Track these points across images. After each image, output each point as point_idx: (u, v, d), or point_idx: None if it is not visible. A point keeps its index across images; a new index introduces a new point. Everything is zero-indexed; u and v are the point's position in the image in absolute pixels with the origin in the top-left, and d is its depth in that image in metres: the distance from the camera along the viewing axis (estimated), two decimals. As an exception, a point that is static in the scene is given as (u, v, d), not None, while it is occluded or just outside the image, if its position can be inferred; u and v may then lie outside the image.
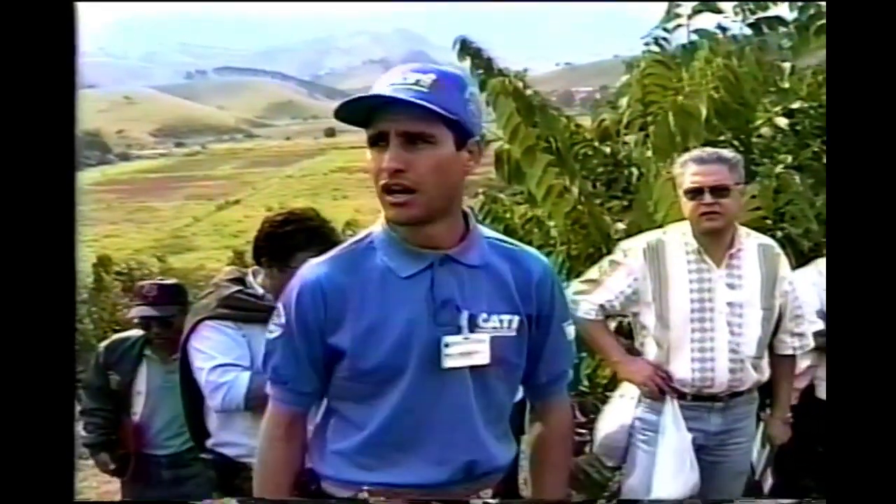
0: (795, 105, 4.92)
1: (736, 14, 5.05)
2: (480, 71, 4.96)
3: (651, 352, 3.63)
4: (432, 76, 1.98)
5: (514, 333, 2.15)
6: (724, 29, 5.10)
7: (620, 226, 4.76)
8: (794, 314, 3.67)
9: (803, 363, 3.94)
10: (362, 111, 2.00)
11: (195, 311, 3.55)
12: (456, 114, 1.97)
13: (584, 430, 4.87)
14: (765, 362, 3.61)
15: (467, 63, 5.01)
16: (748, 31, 4.98)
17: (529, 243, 5.15)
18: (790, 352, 3.71)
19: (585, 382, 4.94)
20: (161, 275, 23.60)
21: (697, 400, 3.57)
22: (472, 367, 2.09)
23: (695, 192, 3.46)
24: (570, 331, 2.34)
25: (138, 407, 4.53)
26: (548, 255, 5.04)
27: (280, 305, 2.16)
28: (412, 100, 1.93)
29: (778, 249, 3.66)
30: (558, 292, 2.28)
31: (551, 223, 5.02)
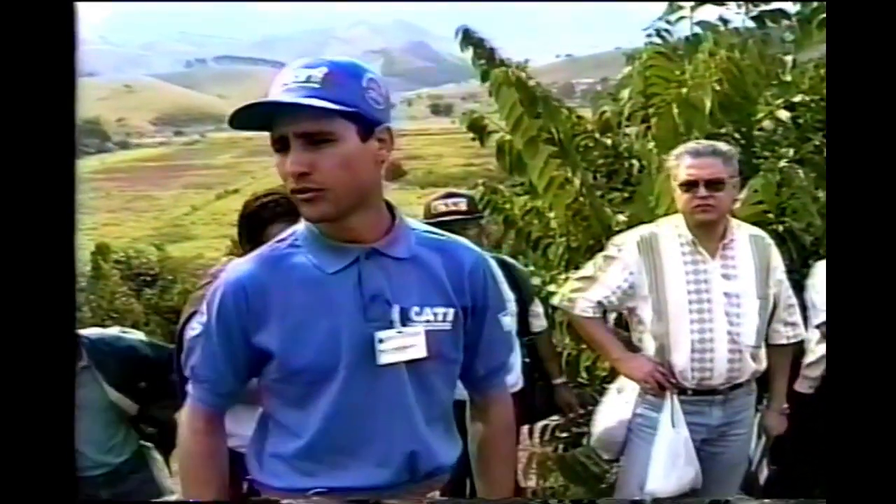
0: (797, 98, 4.91)
1: (739, 7, 5.04)
2: (482, 61, 4.94)
3: (649, 346, 3.63)
4: (324, 69, 1.93)
5: (448, 326, 2.11)
6: (726, 21, 5.08)
7: (621, 218, 4.76)
8: (787, 304, 3.70)
9: (818, 352, 3.94)
10: (262, 116, 1.95)
11: (192, 302, 3.54)
12: (354, 105, 1.92)
13: (582, 422, 4.89)
14: (762, 352, 3.63)
15: (469, 53, 4.99)
16: (751, 24, 4.97)
17: (529, 234, 5.19)
18: (784, 341, 3.73)
19: (584, 375, 4.94)
20: (160, 263, 23.70)
21: (698, 394, 3.58)
22: (409, 363, 2.05)
23: (689, 185, 3.47)
24: (507, 322, 2.30)
25: None
26: (548, 246, 5.05)
27: (203, 304, 2.12)
28: (300, 101, 1.90)
29: (769, 240, 3.68)
30: (491, 283, 2.23)
31: (552, 214, 5.02)
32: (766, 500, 3.88)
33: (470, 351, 2.20)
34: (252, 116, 1.94)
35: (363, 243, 2.03)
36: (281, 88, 1.93)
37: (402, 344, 2.04)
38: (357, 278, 2.02)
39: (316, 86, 1.90)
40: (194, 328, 2.14)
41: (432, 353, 2.07)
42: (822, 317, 3.80)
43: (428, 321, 2.07)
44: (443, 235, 2.22)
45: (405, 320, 2.04)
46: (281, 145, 1.93)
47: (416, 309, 2.06)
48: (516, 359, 4.43)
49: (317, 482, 2.06)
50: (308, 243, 2.05)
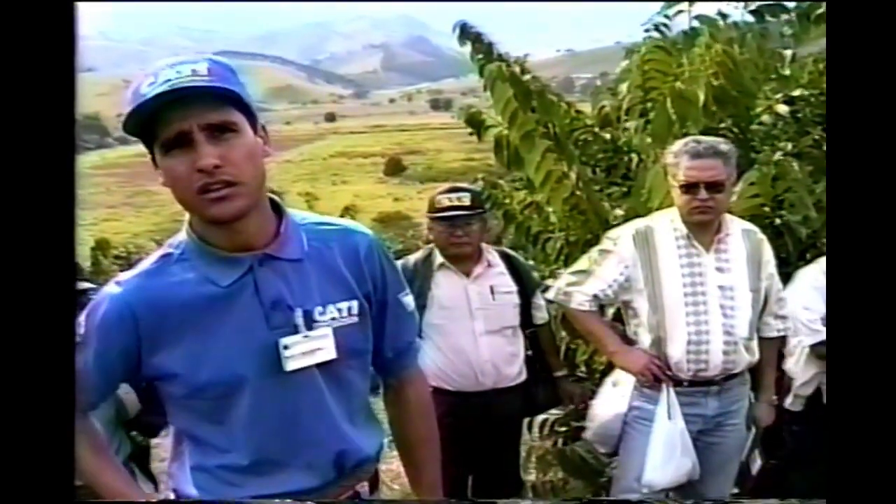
0: (796, 93, 4.92)
1: (737, 1, 5.04)
2: (480, 56, 4.95)
3: (645, 339, 3.65)
4: (205, 64, 1.84)
5: (355, 319, 2.06)
6: (724, 16, 5.08)
7: (619, 212, 4.76)
8: (778, 297, 3.73)
9: (809, 371, 3.99)
10: (143, 119, 1.82)
11: None
12: (246, 97, 1.89)
13: (581, 416, 4.90)
14: (755, 343, 3.65)
15: (468, 48, 5.00)
16: (750, 18, 4.97)
17: (529, 229, 5.20)
18: (774, 334, 3.76)
19: (582, 368, 4.95)
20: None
21: (694, 386, 3.60)
22: (320, 364, 2.00)
23: (689, 187, 3.47)
24: (408, 301, 2.25)
25: None
26: (546, 240, 5.06)
27: (83, 316, 1.99)
28: (212, 85, 1.81)
29: (761, 234, 3.70)
30: (387, 263, 2.17)
31: (550, 209, 5.02)
32: (766, 501, 3.89)
33: (376, 336, 2.15)
34: (142, 115, 1.81)
35: (253, 250, 1.95)
36: (166, 85, 1.78)
37: (310, 348, 1.98)
38: (254, 287, 1.95)
39: (206, 77, 1.81)
40: None
41: (342, 351, 2.02)
42: (816, 336, 3.84)
43: (333, 319, 2.02)
44: (332, 223, 2.14)
45: (310, 323, 1.99)
46: (177, 143, 1.81)
47: (319, 309, 2.00)
48: (521, 351, 4.46)
49: (245, 492, 2.01)
50: (196, 256, 1.96)
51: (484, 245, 4.42)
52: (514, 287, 4.39)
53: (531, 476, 5.05)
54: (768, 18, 4.95)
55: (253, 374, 1.95)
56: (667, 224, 3.60)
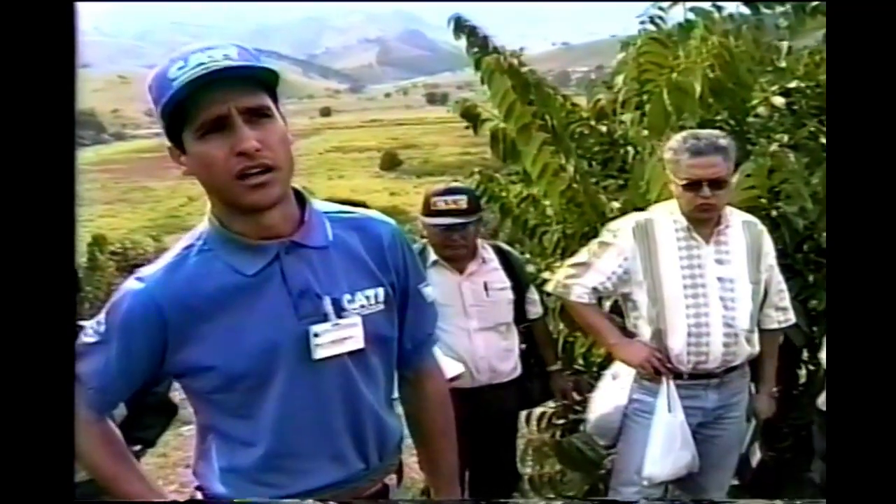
0: (792, 84, 4.91)
1: (733, -8, 5.04)
2: (476, 49, 4.93)
3: (644, 331, 3.65)
4: (235, 49, 1.83)
5: (382, 307, 2.05)
6: (720, 8, 5.08)
7: (616, 205, 4.76)
8: (778, 288, 3.72)
9: None
10: (174, 103, 1.80)
11: None
12: (276, 82, 1.88)
13: (578, 409, 4.90)
14: (755, 336, 3.65)
15: (463, 42, 4.99)
16: (745, 10, 4.97)
17: (526, 223, 5.19)
18: (775, 326, 3.76)
19: (580, 361, 4.95)
20: (157, 254, 23.65)
21: (694, 378, 3.60)
22: (350, 353, 1.99)
23: (692, 185, 3.45)
24: (428, 292, 2.24)
25: None
26: (543, 233, 5.06)
27: (101, 314, 1.98)
28: (254, 65, 1.83)
29: (761, 226, 3.69)
30: (409, 252, 2.17)
31: (547, 202, 5.02)
32: (765, 501, 3.89)
33: (398, 326, 2.15)
34: (175, 99, 1.79)
35: (279, 237, 1.94)
36: (200, 69, 1.76)
37: (340, 336, 1.97)
38: (281, 276, 1.93)
39: (240, 62, 1.80)
40: (88, 334, 1.98)
41: (371, 339, 2.02)
42: None
43: (362, 306, 2.01)
44: (354, 213, 2.13)
45: (339, 311, 1.97)
46: (214, 126, 1.79)
47: (347, 297, 1.99)
48: (515, 346, 4.46)
49: (281, 492, 1.99)
50: (220, 246, 1.94)
51: (479, 241, 4.41)
52: (507, 283, 4.39)
53: (528, 469, 5.05)
54: (764, 10, 4.95)
55: (284, 363, 1.94)
56: (666, 216, 3.60)
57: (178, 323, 1.90)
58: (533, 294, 4.53)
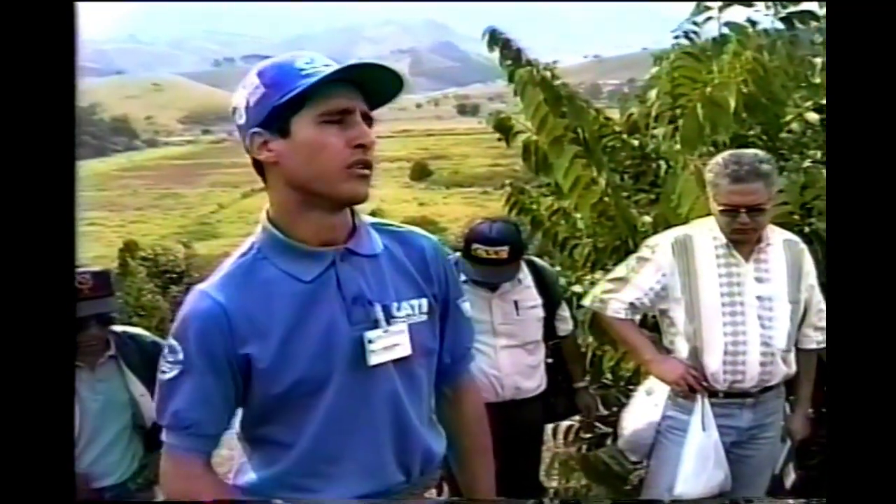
0: (826, 101, 4.88)
1: (767, 8, 5.02)
2: (509, 61, 4.94)
3: (681, 348, 3.62)
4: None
5: (426, 317, 2.09)
6: (754, 23, 5.06)
7: (647, 219, 4.74)
8: (818, 308, 3.66)
9: None
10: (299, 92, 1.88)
11: None
12: None
13: (605, 423, 4.88)
14: (792, 356, 3.61)
15: (496, 53, 5.00)
16: (779, 26, 4.95)
17: (556, 235, 5.19)
18: (814, 346, 3.71)
19: (608, 375, 4.94)
20: (187, 261, 23.76)
21: (729, 397, 3.57)
22: (396, 360, 2.01)
23: (730, 210, 3.42)
24: (466, 307, 2.28)
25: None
26: (574, 246, 5.05)
27: (172, 341, 1.95)
28: (393, 70, 1.95)
29: (802, 245, 3.65)
30: (449, 268, 2.21)
31: (578, 215, 5.01)
32: (765, 500, 3.85)
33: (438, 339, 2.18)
34: (305, 88, 1.87)
35: (334, 245, 1.98)
36: (332, 66, 1.90)
37: (390, 343, 2.00)
38: (336, 282, 1.97)
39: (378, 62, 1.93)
40: (166, 371, 1.95)
41: (416, 348, 2.05)
42: None
43: (408, 315, 2.04)
44: (397, 226, 2.19)
45: (388, 318, 2.00)
46: (336, 118, 1.88)
47: (395, 305, 2.03)
48: (542, 362, 4.43)
49: (314, 496, 2.00)
50: (277, 253, 1.97)
51: None
52: (539, 300, 4.35)
53: (554, 482, 5.04)
54: (798, 26, 4.92)
55: (338, 369, 1.96)
56: (706, 233, 3.56)
57: (241, 332, 1.91)
58: (564, 311, 4.50)
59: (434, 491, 2.20)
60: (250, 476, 2.05)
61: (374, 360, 1.97)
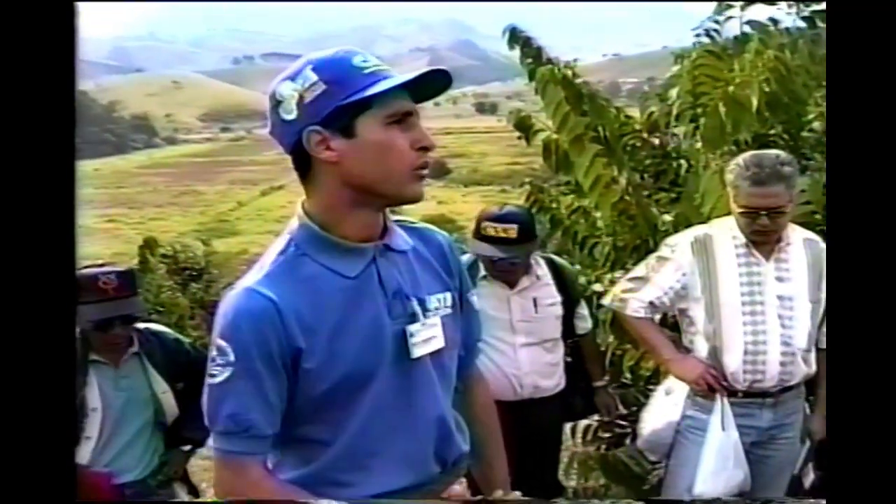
0: (848, 100, 4.85)
1: (789, 7, 5.00)
2: (530, 60, 4.94)
3: (701, 348, 3.61)
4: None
5: (450, 310, 2.11)
6: (776, 21, 5.04)
7: (667, 218, 4.73)
8: None
9: None
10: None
11: None
12: None
13: (624, 423, 4.87)
14: (812, 356, 3.59)
15: (516, 52, 4.99)
16: (801, 24, 4.93)
17: (576, 234, 5.18)
18: None
19: (628, 375, 4.92)
20: (206, 258, 23.80)
21: (749, 396, 3.56)
22: (431, 353, 2.04)
23: (750, 212, 3.40)
24: (475, 300, 2.30)
25: (93, 429, 3.54)
26: (594, 246, 5.04)
27: (221, 342, 1.89)
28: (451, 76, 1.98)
29: (823, 244, 3.62)
30: (461, 262, 2.25)
31: (598, 214, 5.01)
32: (763, 499, 3.84)
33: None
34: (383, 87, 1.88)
35: (371, 241, 1.99)
36: (388, 70, 1.93)
37: (428, 335, 2.03)
38: (378, 277, 1.98)
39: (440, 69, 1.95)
40: (216, 374, 1.89)
41: (447, 340, 2.08)
42: None
43: (438, 308, 2.07)
44: (413, 222, 2.21)
45: (424, 311, 2.03)
46: (399, 119, 1.90)
47: (428, 298, 2.06)
48: (560, 361, 4.42)
49: (353, 490, 1.98)
50: (317, 250, 1.95)
51: (533, 256, 4.34)
52: (558, 298, 4.34)
53: (573, 482, 5.03)
54: (820, 24, 4.90)
55: (384, 364, 1.97)
56: (726, 232, 3.54)
57: (292, 329, 1.88)
58: (583, 309, 4.49)
59: (463, 480, 2.20)
60: (287, 476, 2.01)
61: (416, 352, 2.00)
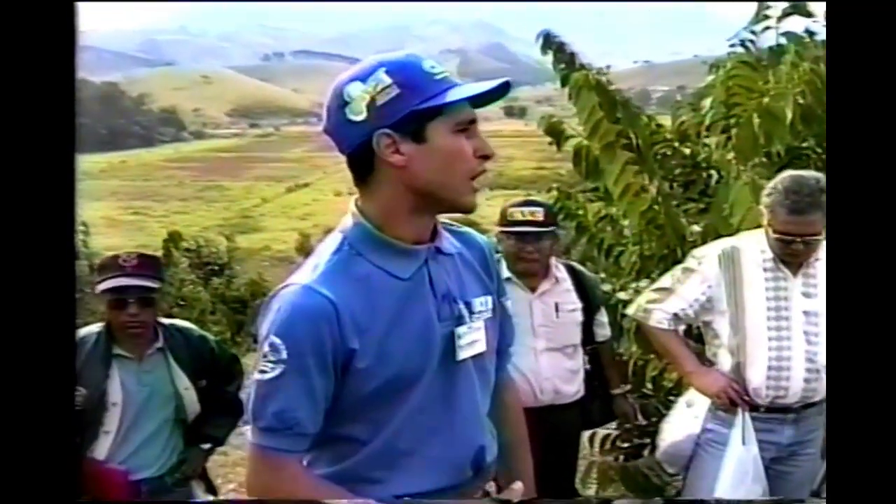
0: (883, 114, 4.81)
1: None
2: (563, 65, 4.93)
3: (724, 361, 3.58)
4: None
5: (491, 314, 2.13)
6: (812, 33, 5.01)
7: (696, 228, 4.71)
8: None
9: None
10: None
11: None
12: None
13: (644, 433, 4.84)
14: None
15: (549, 57, 4.98)
16: (838, 37, 4.88)
17: (602, 241, 5.15)
18: None
19: (649, 385, 4.90)
20: (229, 253, 23.92)
21: (771, 412, 3.52)
22: (474, 356, 2.05)
23: (786, 238, 3.36)
24: (509, 305, 2.31)
25: (112, 424, 3.52)
26: (620, 254, 5.01)
27: (275, 339, 1.87)
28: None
29: None
30: (499, 267, 2.30)
31: (625, 222, 5.00)
32: (763, 500, 3.81)
33: None
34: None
35: (424, 243, 1.99)
36: (459, 81, 1.94)
37: (472, 339, 2.03)
38: (429, 279, 1.98)
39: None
40: (266, 370, 1.88)
41: (489, 343, 2.09)
42: None
43: (481, 312, 2.08)
44: (455, 225, 2.20)
45: (470, 314, 2.04)
46: (465, 127, 1.92)
47: (473, 302, 2.06)
48: (581, 368, 4.40)
49: (385, 488, 1.97)
50: (372, 250, 1.95)
51: (553, 260, 4.37)
52: (578, 304, 4.35)
53: (591, 491, 5.00)
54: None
55: (431, 366, 1.97)
56: (754, 246, 3.51)
57: (348, 328, 1.88)
58: (602, 316, 4.49)
59: (493, 483, 2.19)
60: (319, 472, 2.01)
61: (462, 354, 2.01)
